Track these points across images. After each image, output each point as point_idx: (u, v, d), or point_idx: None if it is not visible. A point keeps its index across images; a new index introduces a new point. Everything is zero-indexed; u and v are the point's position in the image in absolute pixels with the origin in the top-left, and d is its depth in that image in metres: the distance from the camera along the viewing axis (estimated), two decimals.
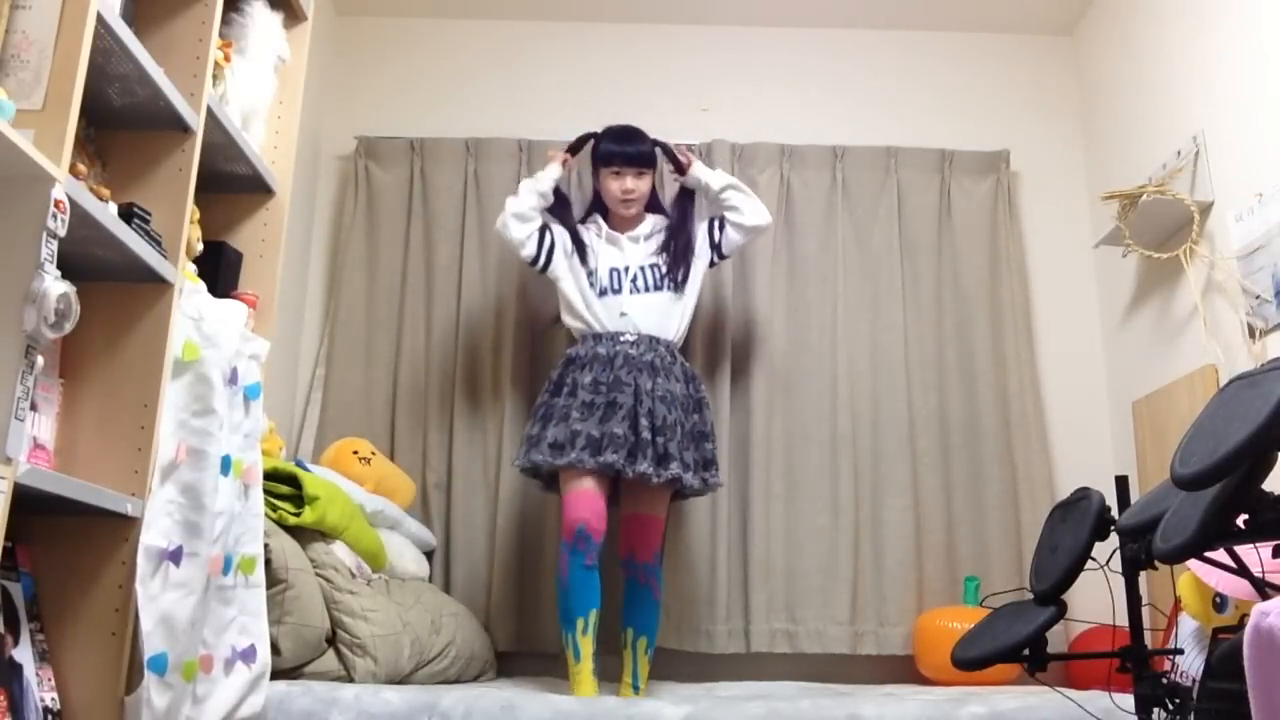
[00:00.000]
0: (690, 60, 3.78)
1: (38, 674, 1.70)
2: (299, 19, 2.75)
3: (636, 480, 2.64)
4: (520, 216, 2.88)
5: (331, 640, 2.36)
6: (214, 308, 2.06)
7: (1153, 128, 3.22)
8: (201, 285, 2.13)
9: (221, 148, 2.33)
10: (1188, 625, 2.27)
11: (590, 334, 2.83)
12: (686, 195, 3.04)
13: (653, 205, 3.03)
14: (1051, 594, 1.92)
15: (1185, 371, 2.97)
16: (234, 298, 2.29)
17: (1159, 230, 3.04)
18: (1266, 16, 2.66)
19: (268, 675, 2.12)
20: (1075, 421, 3.48)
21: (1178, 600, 2.26)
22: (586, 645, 2.58)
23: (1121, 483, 2.13)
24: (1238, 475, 1.34)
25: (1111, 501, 2.01)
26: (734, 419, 3.35)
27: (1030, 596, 2.01)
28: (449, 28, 3.80)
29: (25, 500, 1.60)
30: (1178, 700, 1.83)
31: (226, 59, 2.33)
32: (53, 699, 1.72)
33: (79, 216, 1.64)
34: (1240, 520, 1.40)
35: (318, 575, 2.36)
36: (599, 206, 3.02)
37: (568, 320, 2.92)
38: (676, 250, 2.92)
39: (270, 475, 2.38)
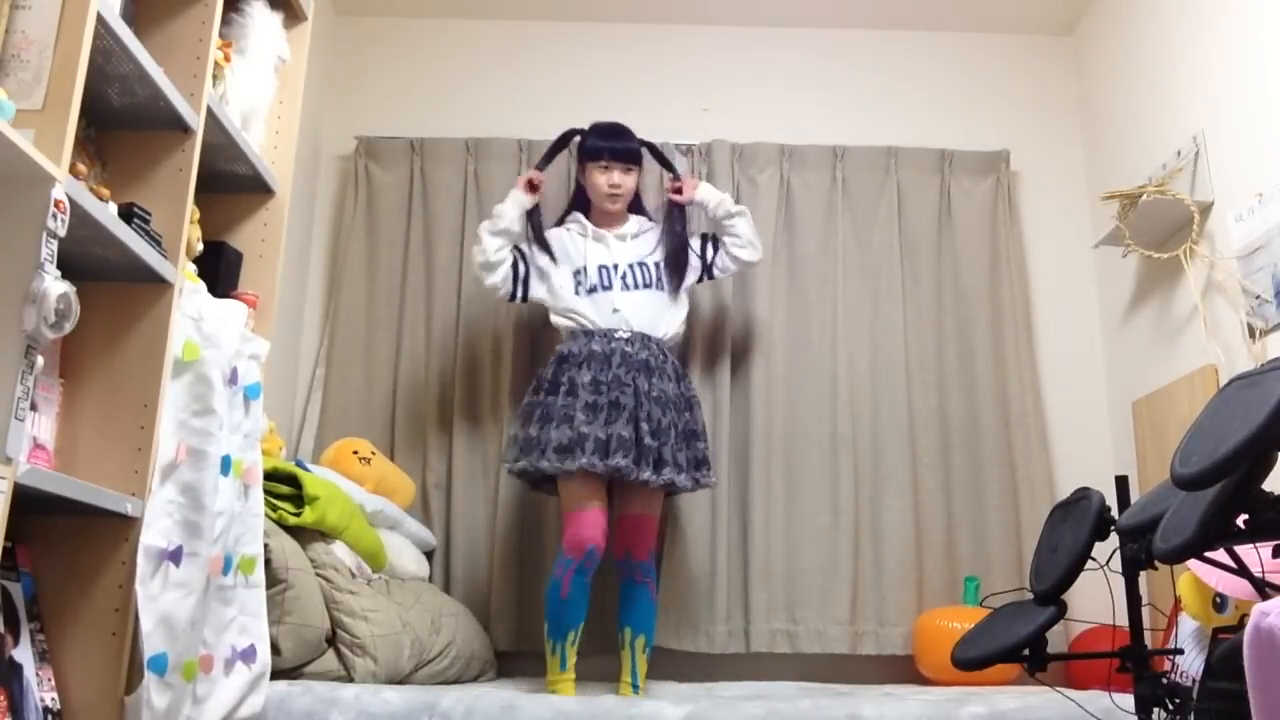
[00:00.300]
0: (690, 60, 3.78)
1: (38, 674, 1.70)
2: (299, 19, 2.75)
3: (635, 482, 2.64)
4: (488, 267, 2.88)
5: (331, 640, 2.36)
6: (214, 308, 2.06)
7: (1153, 128, 3.22)
8: (201, 285, 2.13)
9: (221, 148, 2.33)
10: (1188, 625, 2.27)
11: (582, 331, 2.82)
12: (676, 208, 3.02)
13: (636, 206, 3.03)
14: (1051, 594, 1.92)
15: (1185, 371, 2.96)
16: (234, 298, 2.29)
17: (1159, 230, 3.04)
18: (1266, 16, 2.66)
19: (268, 675, 2.12)
20: (1075, 421, 3.48)
21: (1178, 600, 2.26)
22: (573, 655, 2.63)
23: (1121, 483, 2.13)
24: (1238, 475, 1.34)
25: (1111, 501, 2.01)
26: (734, 419, 3.35)
27: (1030, 596, 2.01)
28: (449, 28, 3.80)
29: (25, 500, 1.60)
30: (1178, 700, 1.83)
31: (226, 59, 2.33)
32: (53, 699, 1.72)
33: (79, 216, 1.64)
34: (1240, 520, 1.40)
35: (318, 575, 2.36)
36: (580, 204, 3.01)
37: (556, 320, 2.90)
38: (678, 264, 2.93)
39: (270, 475, 2.38)
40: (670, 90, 3.73)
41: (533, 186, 2.96)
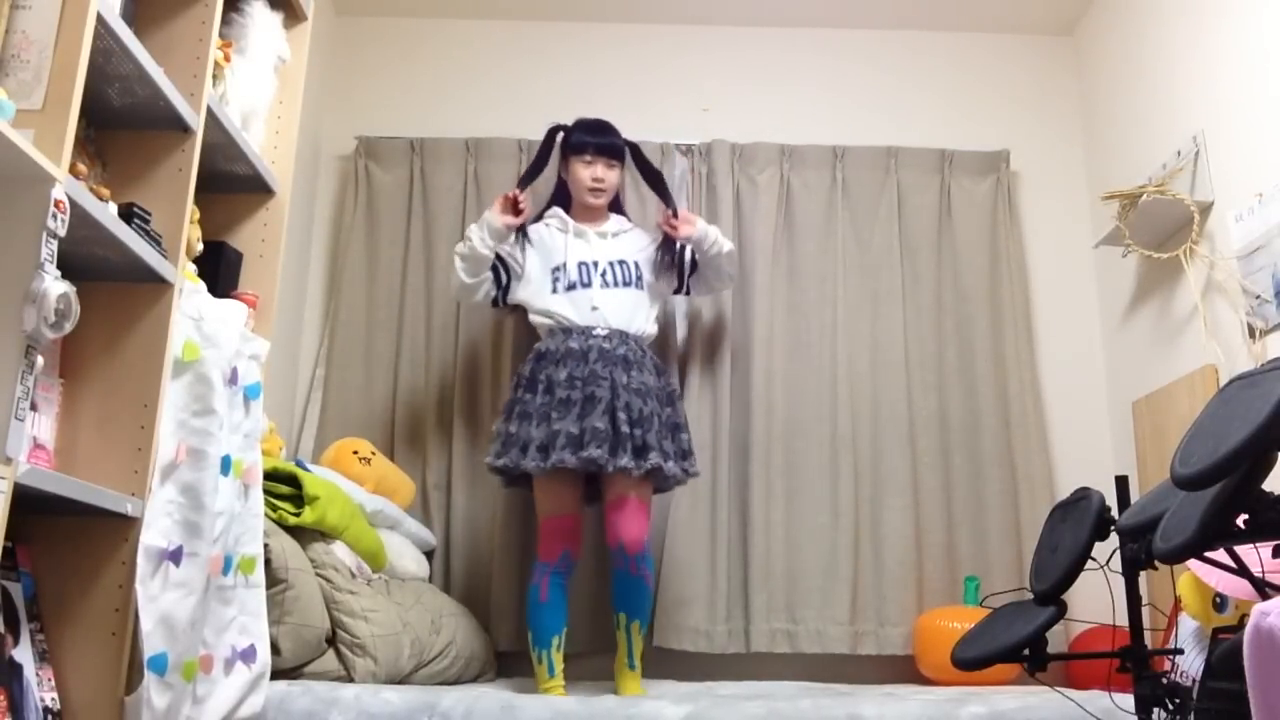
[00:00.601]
0: (690, 60, 3.78)
1: (38, 674, 1.70)
2: (299, 19, 2.75)
3: (617, 473, 2.63)
4: (468, 291, 2.89)
5: (331, 640, 2.36)
6: (214, 308, 2.06)
7: (1153, 128, 3.22)
8: (201, 285, 2.13)
9: (221, 148, 2.33)
10: (1188, 625, 2.27)
11: (560, 328, 2.82)
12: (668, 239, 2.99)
13: (617, 205, 3.02)
14: (1051, 594, 1.92)
15: (1185, 371, 2.97)
16: (234, 298, 2.29)
17: (1159, 230, 3.04)
18: (1266, 16, 2.66)
19: (268, 675, 2.12)
20: (1075, 421, 3.48)
21: (1178, 600, 2.26)
22: (560, 660, 2.64)
23: (1121, 483, 2.13)
24: (1238, 475, 1.34)
25: (1111, 501, 2.01)
26: (734, 419, 3.35)
27: (1030, 596, 2.01)
28: (449, 28, 3.80)
29: (25, 500, 1.60)
30: (1178, 700, 1.83)
31: (226, 59, 2.33)
32: (53, 699, 1.72)
33: (79, 216, 1.64)
34: (1240, 520, 1.40)
35: (318, 575, 2.36)
36: (561, 199, 3.00)
37: (534, 319, 2.90)
38: (676, 263, 2.95)
39: (270, 475, 2.38)
40: (670, 90, 3.73)
41: (515, 207, 2.84)
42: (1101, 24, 3.60)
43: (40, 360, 1.55)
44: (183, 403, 1.94)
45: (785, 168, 3.57)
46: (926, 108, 3.74)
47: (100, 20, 1.70)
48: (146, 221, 1.89)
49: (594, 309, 2.80)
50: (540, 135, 3.01)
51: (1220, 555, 1.54)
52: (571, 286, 2.83)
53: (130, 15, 2.02)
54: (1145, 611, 2.06)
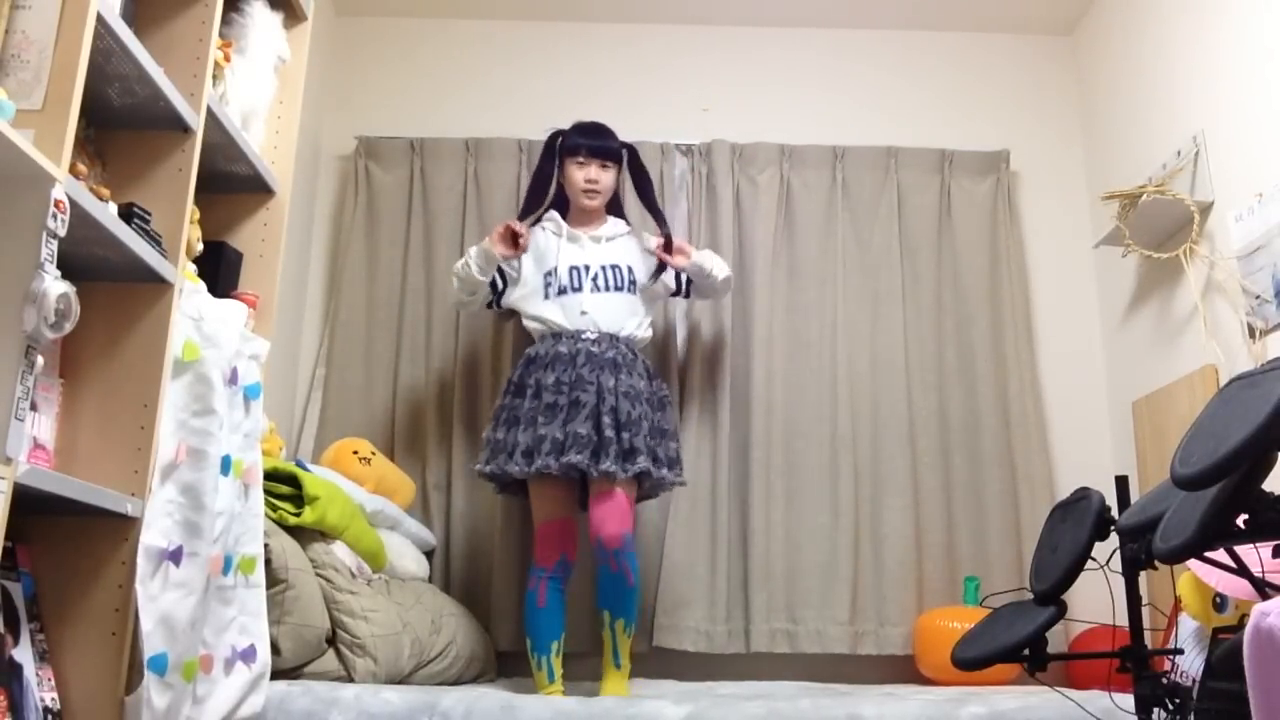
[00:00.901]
0: (690, 60, 3.78)
1: (38, 674, 1.70)
2: (299, 19, 2.75)
3: (602, 478, 2.63)
4: (464, 305, 3.03)
5: (331, 640, 2.36)
6: (214, 308, 2.06)
7: (1153, 128, 3.22)
8: (201, 285, 2.13)
9: (221, 148, 2.33)
10: (1188, 625, 2.27)
11: (550, 333, 2.82)
12: (648, 195, 3.00)
13: (614, 208, 3.01)
14: (1051, 594, 1.91)
15: (1185, 371, 2.96)
16: (234, 298, 2.29)
17: (1159, 230, 3.04)
18: (1266, 16, 2.66)
19: (268, 675, 2.12)
20: (1075, 421, 3.48)
21: (1178, 600, 2.26)
22: (559, 666, 2.65)
23: (1121, 483, 2.13)
24: (1238, 475, 1.34)
25: (1111, 501, 2.01)
26: (734, 419, 3.35)
27: (1030, 596, 2.01)
28: (449, 28, 3.80)
29: (25, 500, 1.60)
30: (1178, 700, 1.83)
31: (226, 59, 2.33)
32: (53, 699, 1.72)
33: (79, 216, 1.64)
34: (1240, 520, 1.40)
35: (318, 575, 2.36)
36: (558, 203, 3.00)
37: (528, 323, 2.90)
38: (674, 280, 2.97)
39: (270, 475, 2.38)
40: (670, 90, 3.73)
41: (514, 241, 2.85)
42: (1101, 24, 3.60)
43: (40, 360, 1.55)
44: (183, 403, 1.94)
45: (785, 168, 3.57)
46: (926, 108, 3.74)
47: (100, 20, 1.70)
48: (146, 221, 1.89)
49: (583, 313, 2.80)
50: (540, 135, 3.01)
51: (1220, 555, 1.54)
52: (562, 291, 2.83)
53: (130, 15, 2.02)
54: (1145, 611, 2.05)
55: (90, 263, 1.84)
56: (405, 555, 2.89)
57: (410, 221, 3.51)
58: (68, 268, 1.74)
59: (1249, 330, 2.68)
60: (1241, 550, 1.53)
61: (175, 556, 1.84)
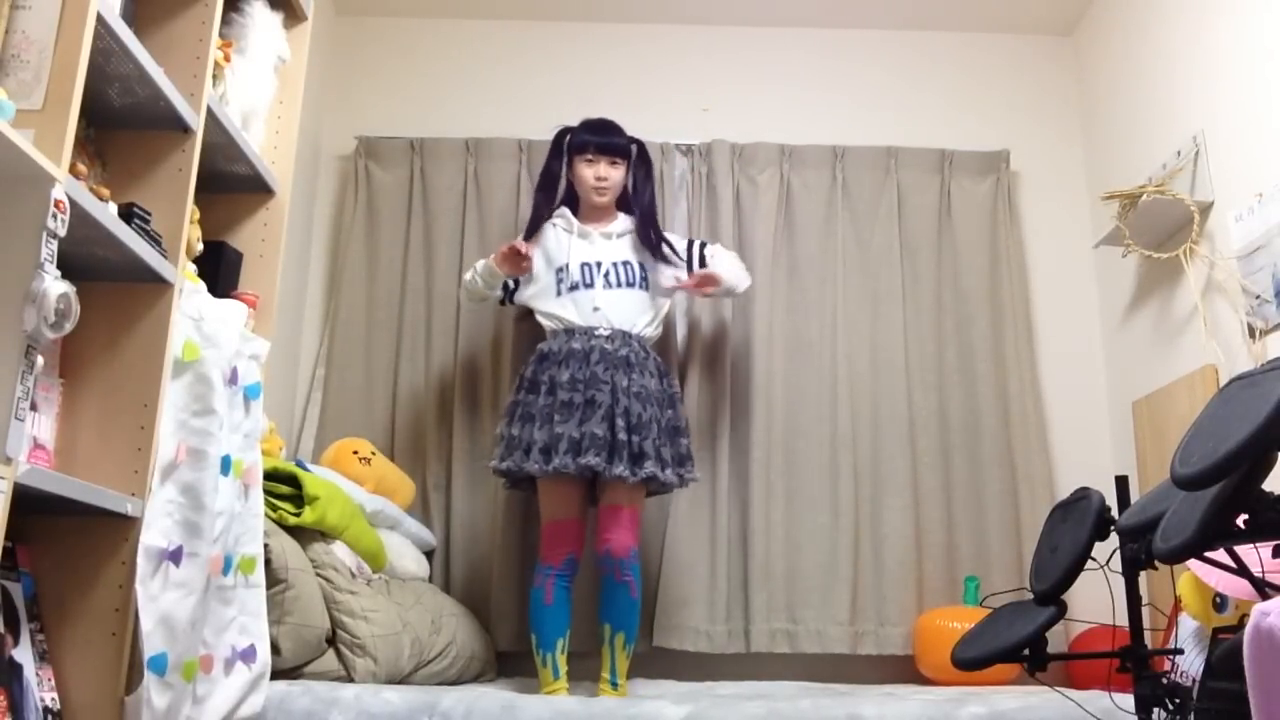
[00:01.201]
0: (690, 60, 3.78)
1: (38, 674, 1.70)
2: (299, 19, 2.75)
3: (612, 479, 2.64)
4: (475, 306, 3.16)
5: (331, 640, 2.36)
6: (214, 308, 2.06)
7: (1153, 128, 3.22)
8: (201, 285, 2.13)
9: (221, 148, 2.33)
10: (1188, 625, 2.27)
11: (563, 329, 2.83)
12: (643, 192, 2.99)
13: (624, 204, 3.02)
14: (1051, 594, 1.91)
15: (1185, 371, 2.96)
16: (234, 298, 2.28)
17: (1159, 230, 3.04)
18: (1266, 16, 2.66)
19: (268, 675, 2.12)
20: (1075, 421, 3.48)
21: (1178, 600, 2.26)
22: (564, 663, 2.65)
23: (1121, 483, 2.13)
24: (1238, 475, 1.34)
25: (1111, 501, 2.01)
26: (734, 419, 3.35)
27: (1030, 596, 2.01)
28: (449, 28, 3.80)
29: (25, 500, 1.60)
30: (1178, 700, 1.83)
31: (226, 59, 2.33)
32: (53, 699, 1.72)
33: (79, 216, 1.64)
34: (1240, 520, 1.40)
35: (318, 575, 2.36)
36: (568, 200, 3.00)
37: (540, 319, 2.91)
38: (652, 243, 2.92)
39: (270, 475, 2.38)
40: (670, 90, 3.73)
41: (519, 258, 2.83)
42: (1101, 24, 3.60)
43: (40, 360, 1.55)
44: (183, 403, 1.94)
45: (785, 168, 3.57)
46: (926, 108, 3.74)
47: (100, 20, 1.70)
48: (146, 221, 1.89)
49: (596, 309, 2.81)
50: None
51: (1220, 555, 1.54)
52: (574, 287, 2.84)
53: (130, 15, 2.02)
54: (1145, 611, 2.05)
55: (90, 263, 1.84)
56: (405, 555, 2.89)
57: (410, 221, 3.51)
58: (68, 268, 1.74)
59: (1249, 330, 2.68)
60: (1241, 550, 1.53)
61: (175, 556, 1.84)
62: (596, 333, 2.78)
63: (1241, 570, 1.53)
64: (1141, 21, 3.31)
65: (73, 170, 1.69)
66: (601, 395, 2.67)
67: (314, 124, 3.53)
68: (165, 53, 2.06)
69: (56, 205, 1.53)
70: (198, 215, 2.22)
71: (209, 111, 2.14)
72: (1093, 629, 2.95)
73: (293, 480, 2.42)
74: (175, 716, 1.82)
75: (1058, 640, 3.08)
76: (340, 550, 2.50)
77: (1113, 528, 1.91)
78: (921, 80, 3.78)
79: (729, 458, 3.30)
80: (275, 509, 2.36)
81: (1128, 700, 1.96)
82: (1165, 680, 1.87)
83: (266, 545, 2.19)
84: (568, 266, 2.86)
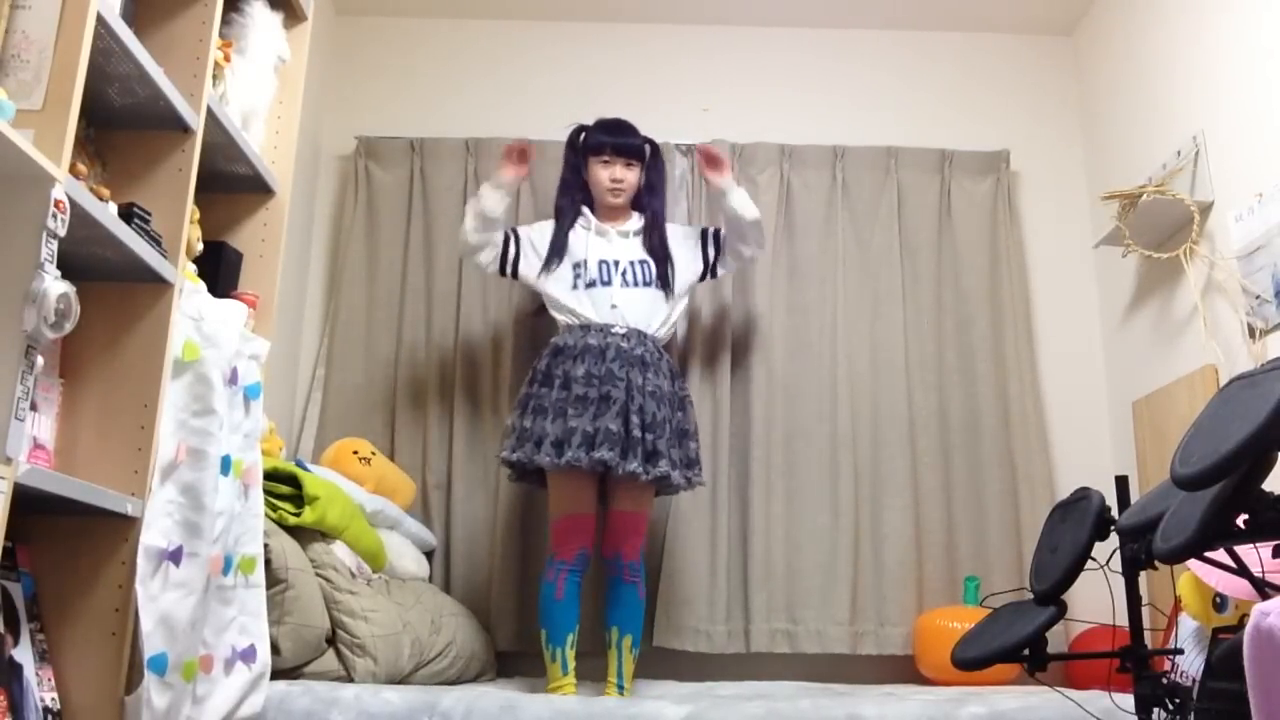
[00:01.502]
0: (690, 60, 3.78)
1: (38, 674, 1.70)
2: (299, 19, 2.75)
3: (625, 477, 2.64)
4: (467, 250, 2.93)
5: (331, 640, 2.36)
6: (214, 308, 2.06)
7: (1152, 128, 3.22)
8: (201, 285, 2.13)
9: (221, 148, 2.33)
10: (1188, 625, 2.27)
11: (579, 325, 2.82)
12: (654, 196, 3.00)
13: (639, 202, 3.01)
14: (1051, 594, 1.92)
15: (1185, 371, 2.97)
16: (234, 298, 2.28)
17: (1159, 230, 3.04)
18: (1266, 16, 2.66)
19: (268, 675, 2.12)
20: (1075, 421, 3.48)
21: (1178, 600, 2.26)
22: (573, 658, 2.64)
23: (1121, 483, 2.13)
24: (1238, 475, 1.34)
25: (1111, 501, 2.01)
26: (734, 419, 3.35)
27: (1030, 596, 2.01)
28: (449, 28, 3.80)
29: (25, 500, 1.60)
30: (1178, 700, 1.83)
31: (226, 59, 2.33)
32: (53, 699, 1.72)
33: (79, 216, 1.64)
34: (1240, 520, 1.40)
35: (318, 575, 2.36)
36: (586, 199, 3.00)
37: (555, 313, 2.90)
38: (655, 250, 2.91)
39: (270, 475, 2.38)
40: (670, 90, 3.73)
41: (521, 156, 2.90)
42: (1101, 24, 3.60)
43: (40, 360, 1.55)
44: (183, 403, 1.94)
45: (785, 168, 3.57)
46: (926, 108, 3.74)
47: (100, 20, 1.70)
48: (146, 221, 1.89)
49: (613, 307, 2.81)
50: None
51: (1220, 555, 1.54)
52: (591, 284, 2.84)
53: (130, 15, 2.02)
54: (1145, 611, 2.06)
55: (90, 263, 1.84)
56: (405, 555, 2.89)
57: (410, 221, 3.51)
58: (68, 268, 1.74)
59: (1249, 330, 2.68)
60: (1241, 550, 1.53)
61: (175, 556, 1.84)
62: (613, 330, 2.78)
63: (1241, 570, 1.53)
64: (1141, 21, 3.31)
65: (73, 170, 1.69)
66: (617, 392, 2.67)
67: (314, 124, 3.53)
68: (165, 53, 2.06)
69: (56, 205, 1.53)
70: (198, 215, 2.22)
71: (209, 111, 2.14)
72: (1093, 629, 2.95)
73: (293, 480, 2.42)
74: (175, 716, 1.82)
75: (1058, 640, 3.08)
76: (340, 550, 2.50)
77: (1113, 528, 1.91)
78: (921, 80, 3.78)
79: (729, 457, 3.31)
80: (275, 509, 2.36)
81: (1128, 700, 1.96)
82: (1165, 680, 1.87)
83: (266, 545, 2.19)
84: (585, 263, 2.86)
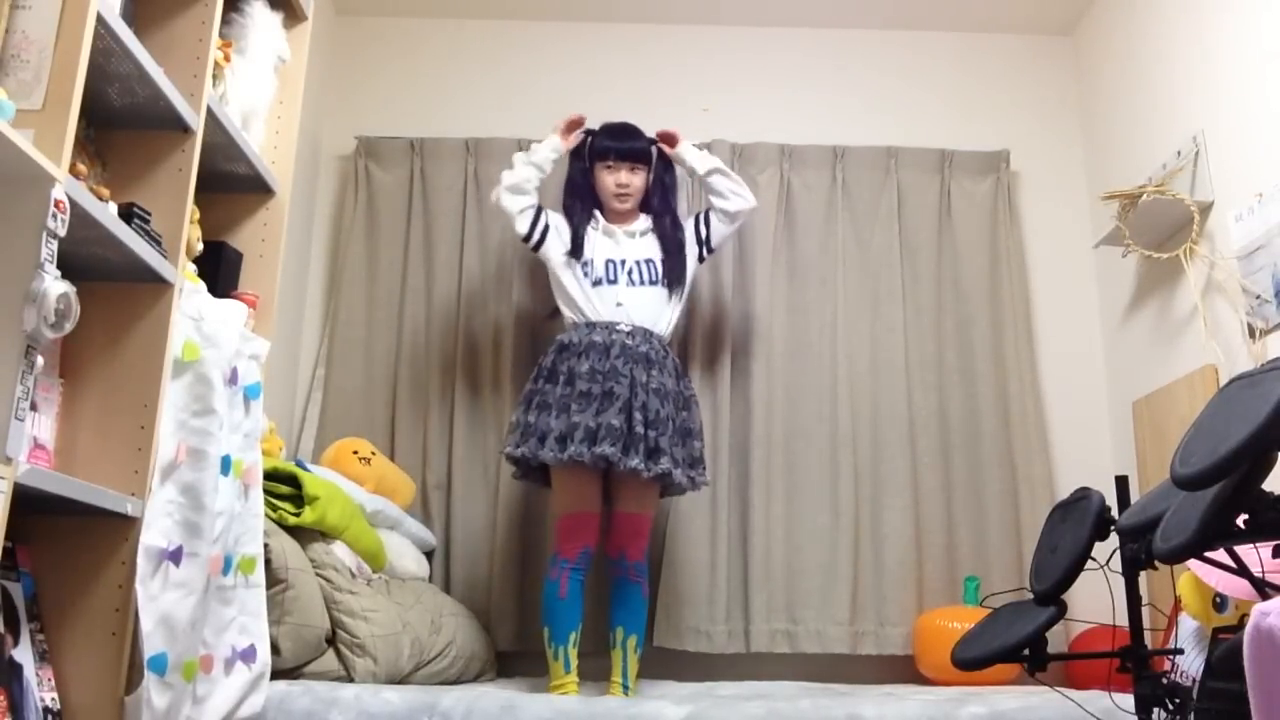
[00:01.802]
0: (690, 60, 3.78)
1: (38, 674, 1.70)
2: (299, 19, 2.75)
3: (627, 474, 2.64)
4: (514, 189, 2.91)
5: (331, 640, 2.36)
6: (214, 308, 2.06)
7: (1153, 128, 3.22)
8: (201, 285, 2.13)
9: (221, 148, 2.33)
10: (1188, 625, 2.27)
11: (585, 322, 2.83)
12: (666, 192, 3.03)
13: (647, 204, 3.02)
14: (1051, 594, 1.92)
15: (1185, 371, 2.96)
16: (234, 298, 2.29)
17: (1159, 230, 3.04)
18: (1266, 16, 2.66)
19: (268, 675, 2.12)
20: (1075, 421, 3.48)
21: (1178, 600, 2.26)
22: (575, 657, 2.65)
23: (1121, 483, 2.13)
24: (1238, 475, 1.34)
25: (1111, 501, 2.01)
26: (734, 419, 3.35)
27: (1030, 596, 2.01)
28: (449, 28, 3.80)
29: (25, 500, 1.60)
30: (1178, 700, 1.83)
31: (226, 59, 2.33)
32: (53, 699, 1.72)
33: (79, 216, 1.64)
34: (1240, 520, 1.40)
35: (318, 575, 2.36)
36: (595, 203, 3.01)
37: (563, 309, 2.91)
38: (670, 247, 2.93)
39: (270, 475, 2.38)
40: (670, 90, 3.73)
41: (573, 126, 2.99)
42: (1101, 24, 3.60)
43: (40, 360, 1.55)
44: (183, 403, 1.94)
45: (785, 168, 3.57)
46: (926, 108, 3.74)
47: (100, 20, 1.70)
48: (146, 221, 1.89)
49: (619, 305, 2.82)
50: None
51: (1220, 555, 1.54)
52: (598, 282, 2.85)
53: (130, 15, 2.02)
54: (1145, 611, 2.06)
55: (90, 263, 1.84)
56: (405, 555, 2.89)
57: (410, 221, 3.51)
58: (68, 268, 1.74)
59: (1249, 330, 2.68)
60: (1241, 550, 1.53)
61: (175, 556, 1.84)
62: (618, 328, 2.79)
63: (1241, 570, 1.53)
64: (1141, 21, 3.31)
65: (73, 170, 1.69)
66: (620, 388, 2.67)
67: (314, 124, 3.53)
68: (165, 53, 2.06)
69: (56, 205, 1.53)
70: (198, 215, 2.22)
71: (209, 111, 2.14)
72: (1093, 629, 2.95)
73: (293, 480, 2.42)
74: (175, 716, 1.82)
75: (1058, 640, 3.08)
76: (340, 550, 2.50)
77: (1113, 528, 1.91)
78: (921, 80, 3.78)
79: (729, 457, 3.30)
80: (275, 509, 2.36)
81: (1128, 700, 1.96)
82: (1165, 680, 1.87)
83: (266, 545, 2.19)
84: (592, 261, 2.87)
